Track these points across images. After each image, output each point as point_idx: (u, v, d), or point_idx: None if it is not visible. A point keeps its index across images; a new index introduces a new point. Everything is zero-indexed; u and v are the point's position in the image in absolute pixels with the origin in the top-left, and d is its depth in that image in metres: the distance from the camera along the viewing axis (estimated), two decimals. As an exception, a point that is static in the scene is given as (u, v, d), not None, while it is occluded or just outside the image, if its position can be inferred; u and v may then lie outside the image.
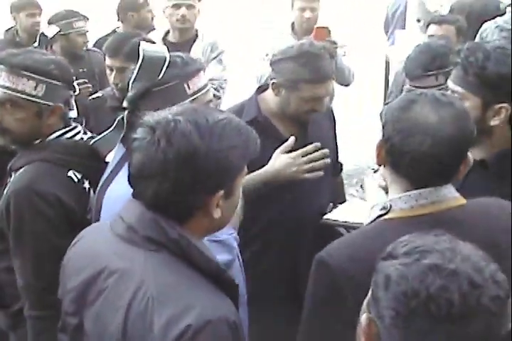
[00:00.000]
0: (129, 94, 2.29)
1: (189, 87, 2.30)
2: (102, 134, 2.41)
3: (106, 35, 5.13)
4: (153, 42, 3.53)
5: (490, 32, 5.91)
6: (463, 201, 1.86)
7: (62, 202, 2.34)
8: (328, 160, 2.78)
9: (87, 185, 2.45)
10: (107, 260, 1.65)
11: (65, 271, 1.79)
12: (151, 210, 1.63)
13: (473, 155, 2.25)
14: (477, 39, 5.15)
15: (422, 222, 1.74)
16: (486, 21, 6.18)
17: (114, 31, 5.41)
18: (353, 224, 2.82)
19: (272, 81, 2.91)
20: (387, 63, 7.12)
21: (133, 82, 2.29)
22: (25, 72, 2.38)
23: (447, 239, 1.34)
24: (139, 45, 3.16)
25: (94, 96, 3.56)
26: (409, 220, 1.77)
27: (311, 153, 2.76)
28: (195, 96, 2.31)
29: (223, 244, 2.12)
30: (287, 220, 2.95)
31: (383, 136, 1.84)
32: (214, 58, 4.79)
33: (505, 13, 6.25)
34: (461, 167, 1.85)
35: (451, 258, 1.27)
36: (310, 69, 2.81)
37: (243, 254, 2.35)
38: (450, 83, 2.28)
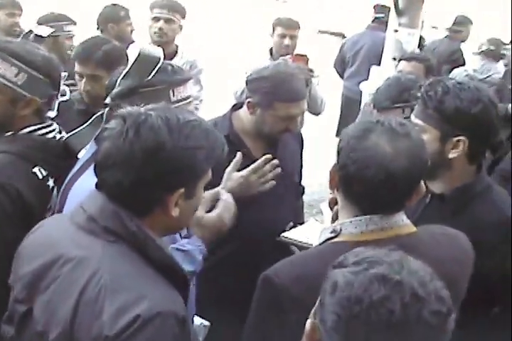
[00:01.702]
0: (115, 90, 2.32)
1: (174, 94, 2.35)
2: (77, 129, 2.42)
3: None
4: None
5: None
6: (413, 229, 1.90)
7: (21, 195, 2.29)
8: (278, 170, 2.81)
9: (51, 183, 2.42)
10: (64, 248, 1.67)
11: (19, 258, 1.80)
12: (112, 202, 1.67)
13: (433, 187, 2.35)
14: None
15: (370, 247, 1.76)
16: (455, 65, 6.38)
17: None
18: (306, 244, 2.86)
19: (247, 100, 2.96)
20: (343, 95, 7.39)
21: (122, 78, 2.32)
22: (11, 58, 2.36)
23: (397, 253, 1.39)
24: (109, 52, 3.20)
25: (60, 99, 3.53)
26: (358, 245, 1.74)
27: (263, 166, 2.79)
28: (177, 105, 2.34)
29: (187, 254, 2.14)
30: (245, 237, 2.97)
31: (338, 162, 1.87)
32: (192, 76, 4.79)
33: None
34: (413, 195, 1.88)
35: (398, 270, 1.32)
36: (285, 89, 2.87)
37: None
38: (412, 116, 2.36)
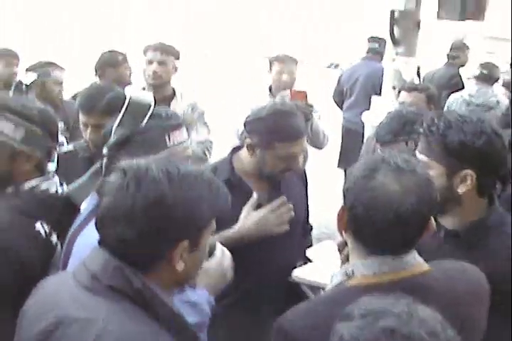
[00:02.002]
0: (111, 140, 2.31)
1: (169, 139, 2.32)
2: (77, 182, 2.40)
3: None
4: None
5: (457, 105, 6.09)
6: (426, 267, 1.86)
7: (20, 257, 2.24)
8: (292, 214, 2.85)
9: (54, 238, 2.38)
10: (68, 309, 1.63)
11: (23, 320, 1.75)
12: (115, 258, 1.63)
13: (445, 223, 2.31)
14: (445, 109, 5.29)
15: (384, 289, 1.70)
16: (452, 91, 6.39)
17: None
18: (319, 284, 2.84)
19: (246, 141, 2.95)
20: (343, 127, 7.39)
21: (116, 127, 2.31)
22: (7, 114, 2.35)
23: (405, 302, 1.35)
24: (113, 100, 3.20)
25: (65, 150, 3.52)
26: (372, 287, 1.76)
27: (278, 208, 2.83)
28: (174, 149, 2.32)
29: (194, 306, 2.09)
30: (255, 277, 2.96)
31: (345, 203, 1.84)
32: (198, 120, 4.76)
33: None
34: (424, 233, 1.85)
35: (407, 322, 1.27)
36: (284, 128, 2.85)
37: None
38: (416, 152, 2.32)
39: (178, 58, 4.86)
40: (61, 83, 4.87)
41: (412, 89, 4.69)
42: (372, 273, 1.81)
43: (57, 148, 2.54)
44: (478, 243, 2.24)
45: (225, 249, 2.25)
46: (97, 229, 1.69)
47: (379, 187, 1.76)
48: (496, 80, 6.44)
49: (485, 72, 6.24)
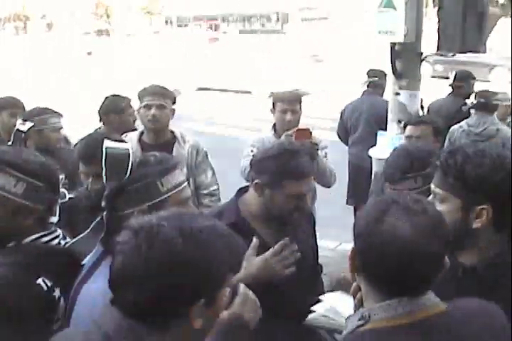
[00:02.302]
0: (105, 193, 2.29)
1: (162, 185, 2.30)
2: (80, 236, 2.37)
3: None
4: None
5: (457, 136, 6.06)
6: (443, 307, 1.83)
7: (21, 314, 2.19)
8: (298, 255, 2.83)
9: (57, 293, 2.32)
10: None
11: None
12: (128, 317, 1.59)
13: (463, 259, 2.27)
14: (446, 143, 5.25)
15: (402, 332, 1.71)
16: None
17: (96, 131, 5.45)
18: (334, 325, 2.79)
19: (254, 181, 2.94)
20: (350, 163, 7.36)
21: (105, 181, 2.30)
22: (7, 168, 2.33)
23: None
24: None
25: (67, 198, 3.49)
26: (390, 330, 1.74)
27: (281, 251, 2.81)
28: (169, 194, 2.31)
29: None
30: (267, 324, 2.89)
31: (356, 247, 1.83)
32: (201, 161, 4.75)
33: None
34: (439, 273, 1.82)
35: None
36: (293, 166, 2.88)
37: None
38: (432, 185, 2.30)
39: (174, 102, 4.86)
40: (58, 130, 4.82)
41: (418, 122, 4.68)
42: (389, 317, 1.78)
43: (59, 201, 2.51)
44: (499, 280, 2.19)
45: (248, 291, 2.14)
46: (110, 289, 1.65)
47: (390, 230, 1.75)
48: (495, 108, 6.39)
49: (482, 100, 6.21)
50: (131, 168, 2.29)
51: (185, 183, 2.42)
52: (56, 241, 2.46)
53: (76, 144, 3.96)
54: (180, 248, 1.57)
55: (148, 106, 4.68)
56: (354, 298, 2.02)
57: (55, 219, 2.50)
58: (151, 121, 4.68)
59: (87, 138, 3.69)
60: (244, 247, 1.76)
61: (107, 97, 5.55)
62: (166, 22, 78.86)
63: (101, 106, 5.46)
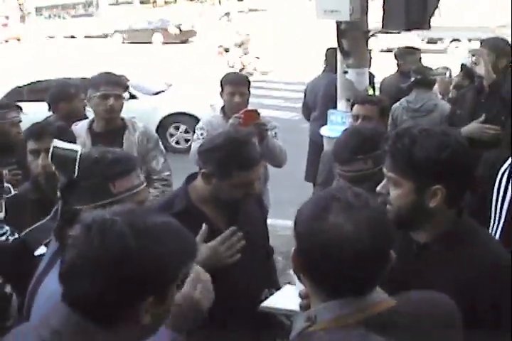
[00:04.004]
0: (59, 185, 2.29)
1: (114, 186, 2.28)
2: (36, 224, 2.37)
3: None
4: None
5: (399, 113, 6.14)
6: (391, 303, 1.78)
7: None
8: (243, 242, 2.86)
9: (8, 289, 2.33)
10: None
11: None
12: (78, 313, 1.59)
13: (417, 237, 2.30)
14: (389, 120, 5.32)
15: (349, 331, 1.66)
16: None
17: (45, 120, 5.36)
18: (289, 311, 2.81)
19: (201, 171, 2.94)
20: (310, 139, 7.47)
21: (58, 174, 2.29)
22: None
23: (357, 334, 1.35)
24: (63, 127, 3.19)
25: (9, 195, 3.47)
26: (336, 331, 1.68)
27: (230, 238, 2.85)
28: (120, 197, 2.29)
29: None
30: (221, 310, 2.92)
31: (298, 247, 1.77)
32: (152, 148, 4.74)
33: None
34: (386, 268, 1.77)
35: None
36: (240, 157, 2.86)
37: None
38: (384, 170, 2.30)
39: (126, 89, 4.82)
40: (17, 123, 4.76)
41: (365, 101, 4.68)
42: (335, 317, 1.72)
43: (4, 196, 2.50)
44: (448, 254, 2.22)
45: (200, 269, 2.17)
46: (60, 283, 1.65)
47: (332, 229, 1.69)
48: (433, 83, 6.46)
49: (419, 77, 6.27)
50: (85, 165, 2.26)
51: (142, 186, 2.39)
52: (3, 237, 2.45)
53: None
54: (132, 243, 1.57)
55: (105, 96, 4.61)
56: (303, 299, 1.97)
57: (1, 214, 2.49)
58: (108, 112, 4.64)
59: (34, 123, 3.67)
60: (196, 245, 1.75)
61: (54, 85, 5.48)
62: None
63: (49, 95, 5.38)
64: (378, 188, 2.32)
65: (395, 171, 2.24)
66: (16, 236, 2.50)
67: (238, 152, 2.87)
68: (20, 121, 4.79)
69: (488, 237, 2.38)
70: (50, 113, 5.38)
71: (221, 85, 5.07)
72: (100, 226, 1.60)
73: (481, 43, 5.15)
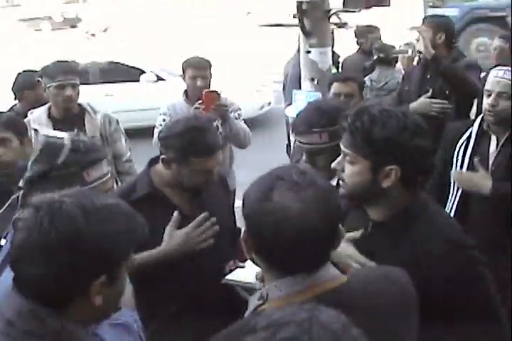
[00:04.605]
0: (27, 175, 2.31)
1: (88, 175, 2.35)
2: None
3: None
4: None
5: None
6: (343, 279, 1.80)
7: None
8: (217, 228, 2.92)
9: None
10: None
11: None
12: (30, 300, 1.60)
13: (373, 215, 2.33)
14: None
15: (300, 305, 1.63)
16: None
17: (12, 109, 5.41)
18: (249, 284, 2.87)
19: (161, 156, 2.97)
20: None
21: (32, 162, 2.30)
22: None
23: (307, 308, 1.32)
24: (13, 117, 3.20)
25: None
26: (288, 306, 1.64)
27: (201, 224, 2.90)
28: (93, 185, 2.36)
29: (124, 327, 2.10)
30: (190, 289, 3.01)
31: (247, 228, 1.78)
32: (114, 130, 4.74)
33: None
34: (335, 244, 1.80)
35: (308, 329, 1.25)
36: (198, 144, 2.89)
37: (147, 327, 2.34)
38: (342, 146, 2.31)
39: (80, 75, 4.81)
40: None
41: (346, 79, 4.70)
42: (286, 294, 1.73)
43: None
44: (402, 232, 2.25)
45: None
46: (11, 267, 1.66)
47: (278, 208, 1.69)
48: (395, 61, 6.49)
49: (381, 55, 6.29)
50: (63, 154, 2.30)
51: (109, 175, 2.47)
52: None
53: None
54: (81, 224, 1.58)
55: (61, 86, 4.60)
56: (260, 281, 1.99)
57: None
58: (66, 101, 4.64)
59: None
60: (145, 227, 1.74)
61: (19, 74, 5.47)
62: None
63: (14, 83, 5.40)
64: (333, 164, 2.34)
65: (352, 148, 2.26)
66: None
67: (196, 139, 2.89)
68: None
69: (440, 213, 2.40)
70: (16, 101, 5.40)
71: (183, 69, 5.08)
72: (49, 208, 1.61)
73: (423, 20, 5.22)
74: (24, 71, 5.49)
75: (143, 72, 11.56)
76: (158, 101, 7.59)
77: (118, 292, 1.73)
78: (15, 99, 5.44)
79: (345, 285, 1.78)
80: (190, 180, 2.96)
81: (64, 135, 2.40)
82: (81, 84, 4.74)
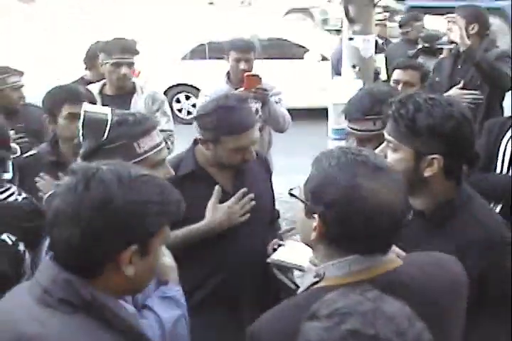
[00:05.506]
0: (81, 150, 2.34)
1: (139, 146, 2.36)
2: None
3: (72, 83, 4.91)
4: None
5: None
6: (398, 262, 1.80)
7: None
8: (253, 203, 3.01)
9: (21, 247, 2.38)
10: (24, 326, 1.59)
11: None
12: (64, 270, 1.62)
13: (415, 204, 2.30)
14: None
15: (363, 294, 1.60)
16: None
17: (82, 78, 5.55)
18: (296, 266, 2.89)
19: (198, 137, 3.01)
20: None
21: (82, 140, 2.33)
22: None
23: (372, 298, 1.32)
24: None
25: (28, 153, 3.50)
26: (348, 292, 1.61)
27: (241, 199, 2.99)
28: (146, 155, 2.37)
29: (172, 300, 2.14)
30: (227, 267, 3.04)
31: (326, 215, 1.71)
32: (157, 110, 4.77)
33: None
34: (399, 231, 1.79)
35: (373, 322, 1.24)
36: (227, 122, 2.90)
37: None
38: (385, 133, 2.30)
39: (138, 54, 4.84)
40: (19, 88, 4.76)
41: (407, 66, 4.65)
42: (343, 274, 1.73)
43: (10, 158, 2.52)
44: (445, 224, 2.24)
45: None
46: (47, 232, 1.67)
47: (370, 195, 1.67)
48: (440, 52, 6.42)
49: (426, 45, 6.22)
50: (108, 129, 2.31)
51: (163, 144, 2.48)
52: (13, 197, 2.48)
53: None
54: (114, 190, 1.59)
55: (118, 64, 4.66)
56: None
57: (8, 175, 2.52)
58: (121, 80, 4.71)
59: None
60: (181, 202, 1.75)
61: (91, 45, 5.60)
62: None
63: (86, 53, 5.60)
64: (377, 151, 2.31)
65: (396, 136, 2.24)
66: (24, 195, 2.52)
67: (223, 118, 2.90)
68: (22, 86, 4.77)
69: (484, 207, 2.38)
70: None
71: (226, 50, 5.07)
72: (85, 174, 1.62)
73: (455, 10, 5.16)
74: (97, 42, 5.55)
75: (307, 50, 11.33)
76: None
77: (150, 264, 1.72)
78: (86, 69, 5.59)
79: (400, 268, 1.78)
80: (226, 159, 2.99)
81: (106, 110, 2.40)
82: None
